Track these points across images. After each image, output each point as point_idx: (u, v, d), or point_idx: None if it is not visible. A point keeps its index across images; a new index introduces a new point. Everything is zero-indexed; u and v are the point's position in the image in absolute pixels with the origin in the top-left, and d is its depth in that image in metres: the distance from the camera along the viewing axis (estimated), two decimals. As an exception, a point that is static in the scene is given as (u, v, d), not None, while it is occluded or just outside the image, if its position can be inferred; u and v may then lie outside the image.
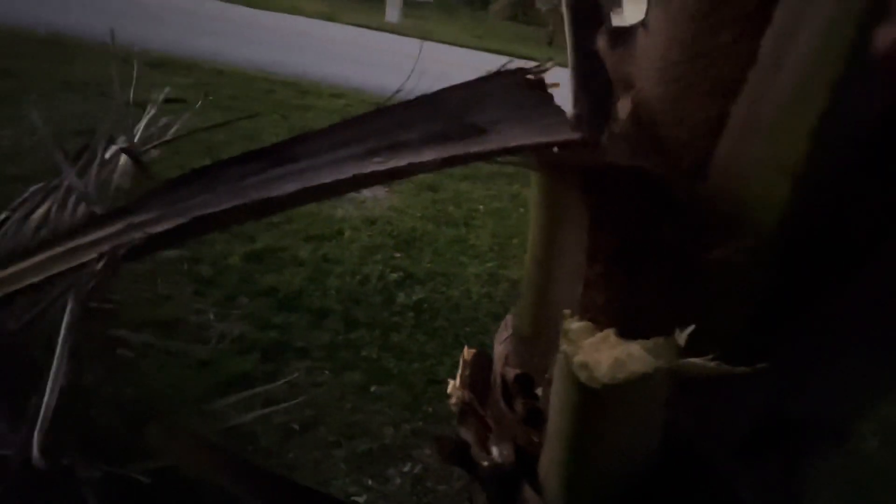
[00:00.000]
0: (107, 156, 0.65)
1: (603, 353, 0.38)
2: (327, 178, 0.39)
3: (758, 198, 0.40)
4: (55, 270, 0.45)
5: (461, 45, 10.28)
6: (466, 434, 0.83)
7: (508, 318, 0.84)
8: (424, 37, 10.38)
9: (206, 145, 3.59)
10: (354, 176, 0.38)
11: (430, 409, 1.79)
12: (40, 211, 0.57)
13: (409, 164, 0.37)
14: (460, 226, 3.14)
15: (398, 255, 2.75)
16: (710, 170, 0.42)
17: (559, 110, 0.42)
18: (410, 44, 9.68)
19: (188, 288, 2.20)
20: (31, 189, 0.63)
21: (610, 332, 0.39)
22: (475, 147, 0.38)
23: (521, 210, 3.46)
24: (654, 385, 0.37)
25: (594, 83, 0.60)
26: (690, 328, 0.35)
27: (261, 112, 4.45)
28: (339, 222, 2.94)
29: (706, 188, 0.42)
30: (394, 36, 10.15)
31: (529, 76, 0.43)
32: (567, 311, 0.42)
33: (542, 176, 0.54)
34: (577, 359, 0.39)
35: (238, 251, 2.50)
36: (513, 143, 0.38)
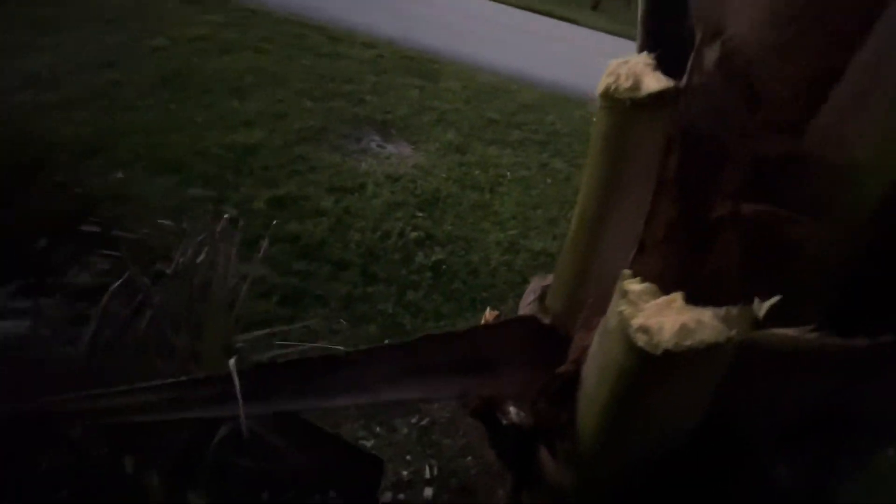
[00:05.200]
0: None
1: (667, 318, 0.35)
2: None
3: (863, 171, 0.36)
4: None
5: (501, 2, 9.76)
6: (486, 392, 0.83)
7: (535, 280, 0.81)
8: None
9: (236, 86, 3.54)
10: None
11: (442, 368, 1.81)
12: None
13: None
14: (485, 191, 3.08)
15: (420, 214, 2.72)
16: (810, 133, 0.38)
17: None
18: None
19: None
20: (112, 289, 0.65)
21: (677, 296, 0.36)
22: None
23: (549, 181, 3.37)
24: (720, 356, 0.35)
25: (671, 27, 0.54)
26: (775, 299, 0.32)
27: (291, 58, 4.35)
28: (362, 176, 2.91)
29: (802, 153, 0.38)
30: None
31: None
32: (627, 271, 0.40)
33: (607, 126, 0.50)
34: (637, 321, 0.36)
35: (262, 196, 2.50)
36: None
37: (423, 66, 5.02)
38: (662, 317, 0.35)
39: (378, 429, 1.55)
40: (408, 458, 1.49)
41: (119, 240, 1.59)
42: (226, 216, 0.79)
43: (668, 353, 0.34)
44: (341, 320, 1.91)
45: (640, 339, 0.35)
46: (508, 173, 3.33)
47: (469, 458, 1.52)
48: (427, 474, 1.45)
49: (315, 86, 3.90)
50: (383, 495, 1.36)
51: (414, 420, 1.60)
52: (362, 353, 0.60)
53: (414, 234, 2.52)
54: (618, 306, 0.38)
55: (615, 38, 8.33)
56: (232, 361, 0.56)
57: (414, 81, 4.55)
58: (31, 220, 1.72)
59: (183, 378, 0.64)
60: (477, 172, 3.26)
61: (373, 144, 3.34)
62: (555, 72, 5.67)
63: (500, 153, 3.58)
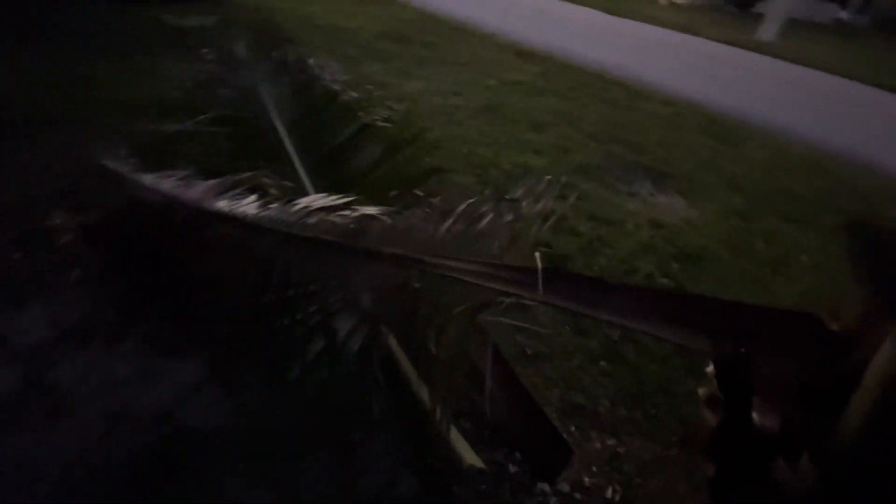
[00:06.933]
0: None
1: None
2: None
3: None
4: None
5: (844, 76, 8.02)
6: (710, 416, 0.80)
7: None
8: (800, 61, 8.59)
9: (536, 122, 4.14)
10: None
11: (654, 412, 1.69)
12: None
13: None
14: (765, 266, 2.64)
15: (675, 265, 2.57)
16: None
17: None
18: (777, 66, 8.22)
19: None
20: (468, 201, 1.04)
21: None
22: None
23: (867, 280, 2.61)
24: None
25: None
26: None
27: (588, 106, 4.77)
28: (624, 214, 2.95)
29: None
30: (759, 55, 8.80)
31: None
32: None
33: None
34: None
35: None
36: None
37: (724, 129, 4.65)
38: None
39: (573, 429, 1.58)
40: (593, 468, 1.46)
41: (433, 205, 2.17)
42: (548, 177, 1.07)
43: None
44: (566, 326, 2.01)
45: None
46: (805, 257, 2.76)
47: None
48: (609, 494, 1.39)
49: (602, 130, 4.17)
50: (561, 483, 1.38)
51: (609, 442, 1.56)
52: (634, 287, 0.72)
53: (663, 280, 2.41)
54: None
55: None
56: (537, 254, 0.76)
57: (708, 142, 4.28)
58: (387, 179, 2.48)
59: (502, 262, 0.89)
60: (760, 244, 2.84)
61: (643, 190, 3.33)
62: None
63: (799, 233, 3.00)
